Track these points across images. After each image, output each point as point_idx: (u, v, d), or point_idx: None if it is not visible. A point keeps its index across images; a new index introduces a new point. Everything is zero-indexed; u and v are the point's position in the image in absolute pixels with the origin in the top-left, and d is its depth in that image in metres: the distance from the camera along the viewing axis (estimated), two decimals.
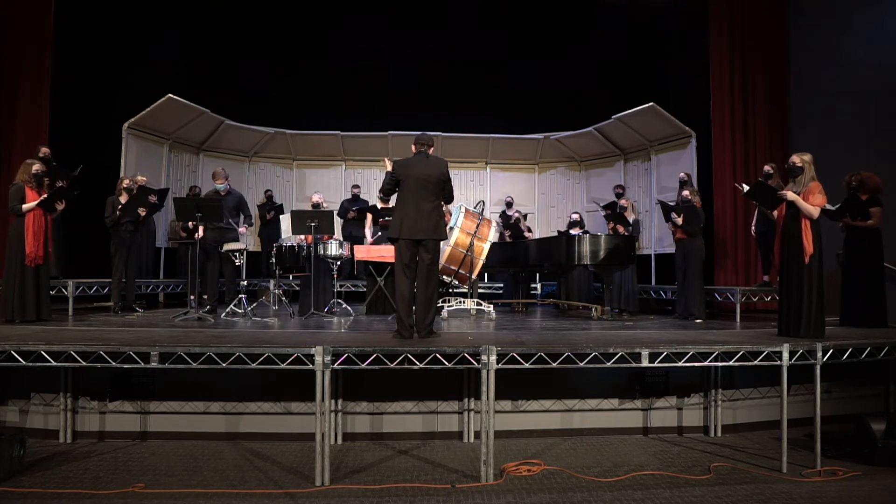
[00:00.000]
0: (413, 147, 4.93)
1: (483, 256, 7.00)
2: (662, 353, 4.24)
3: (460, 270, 6.93)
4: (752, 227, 7.88)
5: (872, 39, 7.49)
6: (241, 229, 7.18)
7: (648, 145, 9.89)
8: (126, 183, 7.25)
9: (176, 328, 5.46)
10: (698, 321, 6.70)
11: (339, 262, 7.08)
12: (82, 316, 6.71)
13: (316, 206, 8.34)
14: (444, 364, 4.04)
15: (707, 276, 7.70)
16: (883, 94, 7.25)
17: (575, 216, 8.85)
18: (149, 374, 4.64)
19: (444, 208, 5.11)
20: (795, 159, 4.92)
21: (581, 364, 4.19)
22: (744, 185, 5.33)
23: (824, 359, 4.35)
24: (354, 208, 9.99)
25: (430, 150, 4.96)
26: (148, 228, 8.36)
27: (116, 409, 4.85)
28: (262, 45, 10.93)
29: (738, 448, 4.79)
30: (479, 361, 4.00)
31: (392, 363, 4.03)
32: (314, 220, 6.71)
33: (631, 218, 8.39)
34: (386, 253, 7.14)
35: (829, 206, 5.30)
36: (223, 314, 6.57)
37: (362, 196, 10.45)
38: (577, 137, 10.71)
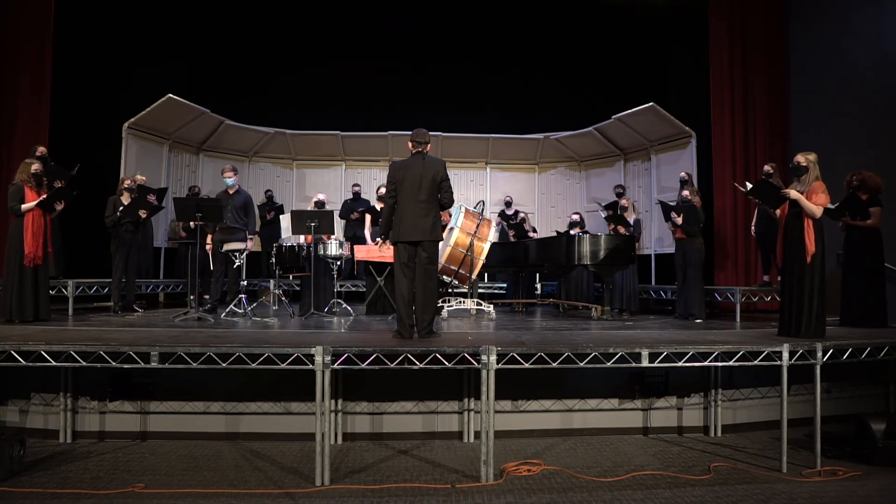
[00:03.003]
0: (410, 145, 4.90)
1: (483, 256, 7.00)
2: (662, 353, 4.24)
3: (460, 270, 6.93)
4: (752, 227, 7.87)
5: (872, 39, 7.49)
6: (249, 243, 7.02)
7: (648, 145, 9.89)
8: (128, 183, 7.27)
9: (176, 328, 5.47)
10: (698, 321, 6.70)
11: (339, 262, 7.08)
12: (82, 316, 6.71)
13: (320, 203, 8.32)
14: (444, 364, 4.04)
15: (707, 276, 7.70)
16: (883, 94, 7.25)
17: (575, 216, 8.85)
18: (149, 374, 4.63)
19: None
20: (800, 158, 4.91)
21: (581, 364, 4.19)
22: (746, 184, 5.32)
23: (824, 359, 4.35)
24: (360, 209, 9.98)
25: (428, 148, 4.92)
26: (148, 229, 8.36)
27: (116, 409, 4.85)
28: (261, 45, 10.93)
29: (738, 448, 4.79)
30: (479, 361, 4.00)
31: (392, 363, 4.03)
32: (314, 220, 6.71)
33: (631, 218, 8.39)
34: (386, 253, 7.11)
35: (829, 205, 5.30)
36: (223, 314, 6.57)
37: (363, 196, 10.44)
38: (577, 137, 10.70)
